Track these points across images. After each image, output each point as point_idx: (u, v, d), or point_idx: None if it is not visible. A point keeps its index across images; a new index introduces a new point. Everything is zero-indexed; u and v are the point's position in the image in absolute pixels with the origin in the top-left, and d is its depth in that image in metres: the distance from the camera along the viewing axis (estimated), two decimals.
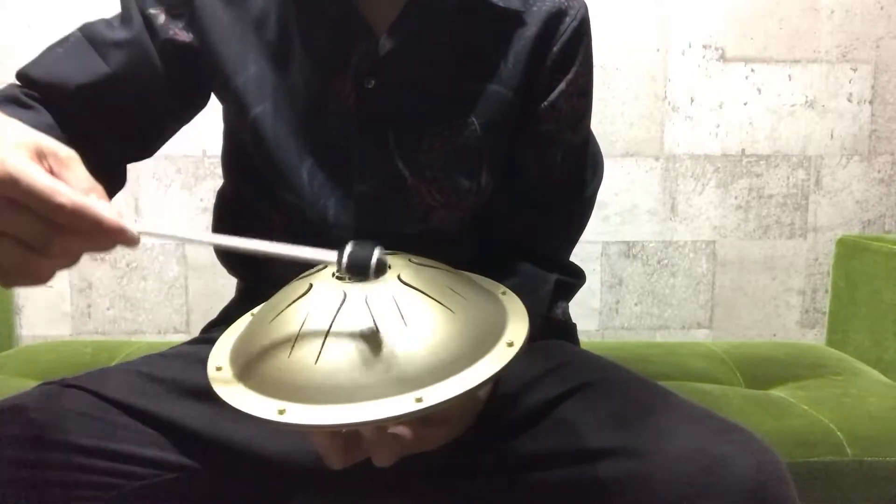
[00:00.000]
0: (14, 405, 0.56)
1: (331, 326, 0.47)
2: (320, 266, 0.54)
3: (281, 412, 0.45)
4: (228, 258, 0.83)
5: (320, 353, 0.46)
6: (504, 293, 0.57)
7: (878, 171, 1.53)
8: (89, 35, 0.71)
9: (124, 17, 0.72)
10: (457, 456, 0.56)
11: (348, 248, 0.49)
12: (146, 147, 0.77)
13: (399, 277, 0.50)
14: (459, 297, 0.51)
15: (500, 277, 0.71)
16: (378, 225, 0.71)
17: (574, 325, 0.79)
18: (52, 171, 0.44)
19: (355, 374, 0.46)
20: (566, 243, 0.80)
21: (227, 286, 0.86)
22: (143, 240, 0.47)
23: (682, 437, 0.52)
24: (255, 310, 0.60)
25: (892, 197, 1.55)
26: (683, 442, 0.52)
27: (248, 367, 0.50)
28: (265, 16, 0.71)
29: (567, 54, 0.71)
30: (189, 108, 0.78)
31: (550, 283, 0.74)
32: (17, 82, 0.71)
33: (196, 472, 0.60)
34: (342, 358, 0.46)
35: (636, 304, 1.55)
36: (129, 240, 0.44)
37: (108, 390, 0.60)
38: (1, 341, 1.41)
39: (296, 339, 0.48)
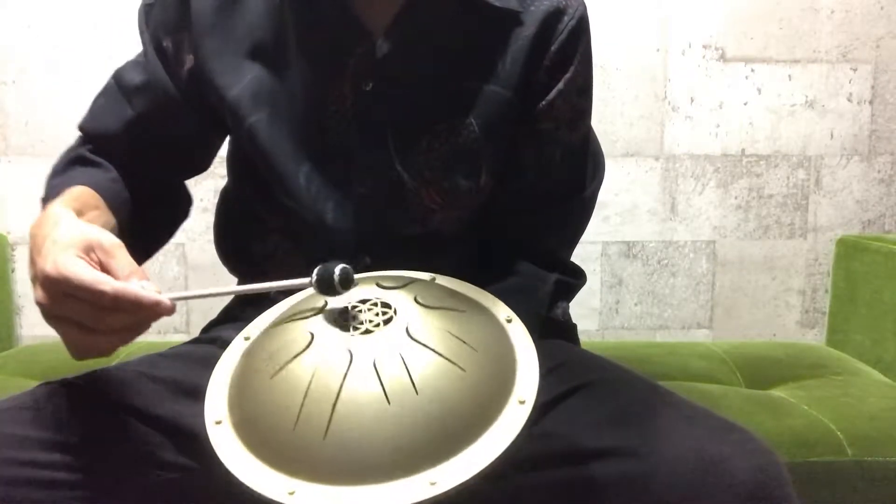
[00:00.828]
0: (14, 405, 0.56)
1: (338, 397, 0.45)
2: (320, 303, 0.52)
3: (291, 493, 0.44)
4: (230, 258, 0.83)
5: (328, 428, 0.44)
6: (510, 320, 0.55)
7: (878, 171, 1.53)
8: (119, 81, 0.76)
9: (143, 56, 0.75)
10: None
11: (316, 270, 0.51)
12: (199, 165, 0.82)
13: (407, 331, 0.48)
14: (469, 348, 0.49)
15: (500, 277, 0.71)
16: (377, 227, 0.71)
17: (574, 325, 0.79)
18: (99, 262, 0.53)
19: (366, 452, 0.44)
20: (566, 243, 0.80)
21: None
22: (180, 291, 0.52)
23: (682, 437, 0.52)
24: (249, 332, 0.58)
25: (892, 197, 1.54)
26: (683, 442, 0.52)
27: (251, 428, 0.48)
28: (262, 22, 0.71)
29: (565, 54, 0.71)
30: (221, 125, 0.79)
31: (550, 282, 0.74)
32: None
33: (196, 472, 0.60)
34: (351, 435, 0.44)
35: (636, 304, 1.55)
36: (165, 310, 0.52)
37: (108, 390, 0.60)
38: (1, 341, 1.41)
39: (301, 408, 0.46)
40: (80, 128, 0.77)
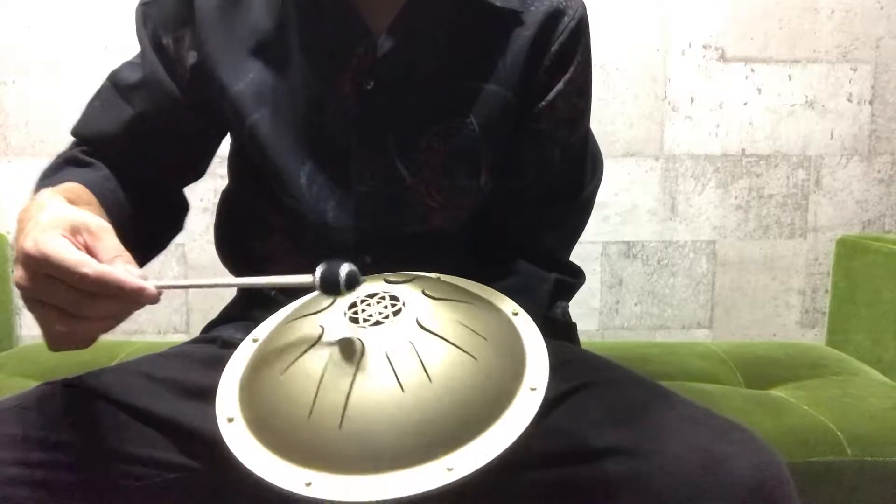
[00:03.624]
0: (14, 405, 0.56)
1: (351, 387, 0.45)
2: (328, 300, 0.52)
3: (308, 485, 0.44)
4: (230, 258, 0.83)
5: (343, 418, 0.44)
6: (516, 314, 0.55)
7: (878, 171, 1.53)
8: (115, 82, 0.75)
9: (141, 55, 0.75)
10: None
11: (320, 267, 0.48)
12: (196, 168, 0.81)
13: (418, 322, 0.48)
14: (479, 336, 0.49)
15: (499, 277, 0.71)
16: (378, 226, 0.71)
17: (574, 325, 0.79)
18: (86, 244, 0.50)
19: (382, 441, 0.44)
20: (565, 243, 0.80)
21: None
22: (166, 279, 0.49)
23: (683, 437, 0.52)
24: (258, 333, 0.58)
25: (892, 197, 1.55)
26: (684, 441, 0.52)
27: (264, 423, 0.48)
28: (264, 20, 0.71)
29: (565, 54, 0.71)
30: (220, 124, 0.79)
31: (550, 282, 0.74)
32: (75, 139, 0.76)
33: (196, 472, 0.59)
34: (367, 424, 0.44)
35: (636, 304, 1.55)
36: (149, 297, 0.49)
37: (108, 390, 0.60)
38: (1, 341, 1.41)
39: (314, 399, 0.46)
40: (75, 133, 0.76)
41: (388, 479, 0.43)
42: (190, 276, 1.50)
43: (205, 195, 1.47)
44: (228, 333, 0.75)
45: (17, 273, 0.49)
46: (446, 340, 0.48)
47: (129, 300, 0.49)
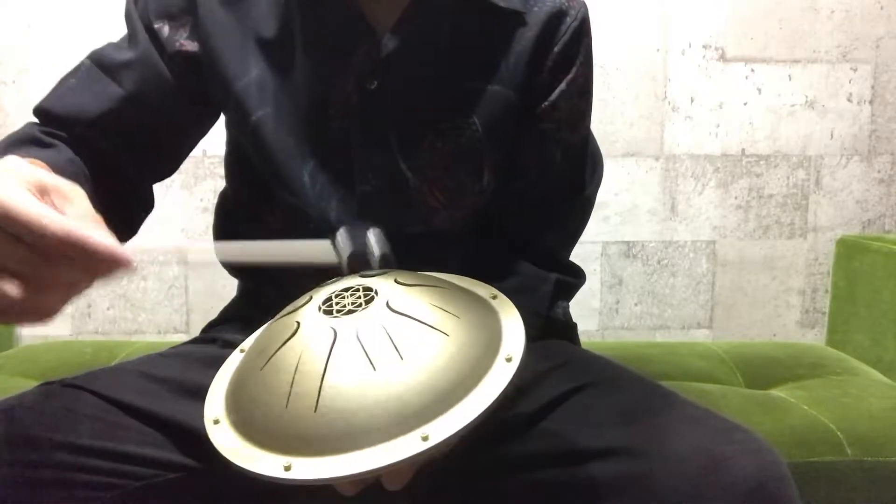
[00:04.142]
0: (14, 405, 0.56)
1: (325, 371, 0.46)
2: (305, 299, 0.52)
3: (287, 468, 0.44)
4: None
5: (318, 401, 0.45)
6: (495, 297, 0.56)
7: (878, 171, 1.53)
8: (99, 61, 0.72)
9: (130, 37, 0.73)
10: (457, 456, 0.56)
11: (342, 239, 0.47)
12: (170, 164, 0.78)
13: (388, 305, 0.49)
14: (451, 315, 0.50)
15: (500, 277, 0.71)
16: (380, 225, 0.71)
17: (574, 325, 0.79)
18: (53, 206, 0.44)
19: (357, 419, 0.45)
20: (566, 243, 0.80)
21: (227, 286, 0.86)
22: (143, 240, 0.47)
23: (684, 437, 0.52)
24: (245, 344, 0.60)
25: (892, 197, 1.55)
26: (685, 441, 0.52)
27: (247, 420, 0.49)
28: (267, 18, 0.70)
29: (567, 55, 0.71)
30: (206, 119, 0.78)
31: (550, 282, 0.74)
32: (35, 119, 0.71)
33: (197, 472, 0.59)
34: (341, 404, 0.45)
35: (636, 304, 1.55)
36: (121, 262, 0.44)
37: (108, 390, 0.60)
38: (1, 341, 1.41)
39: (291, 387, 0.47)
40: (42, 109, 0.70)
41: (363, 455, 0.44)
42: (190, 276, 1.49)
43: (205, 195, 1.47)
44: (229, 334, 0.75)
45: None
46: (416, 320, 0.48)
47: (99, 265, 0.43)
